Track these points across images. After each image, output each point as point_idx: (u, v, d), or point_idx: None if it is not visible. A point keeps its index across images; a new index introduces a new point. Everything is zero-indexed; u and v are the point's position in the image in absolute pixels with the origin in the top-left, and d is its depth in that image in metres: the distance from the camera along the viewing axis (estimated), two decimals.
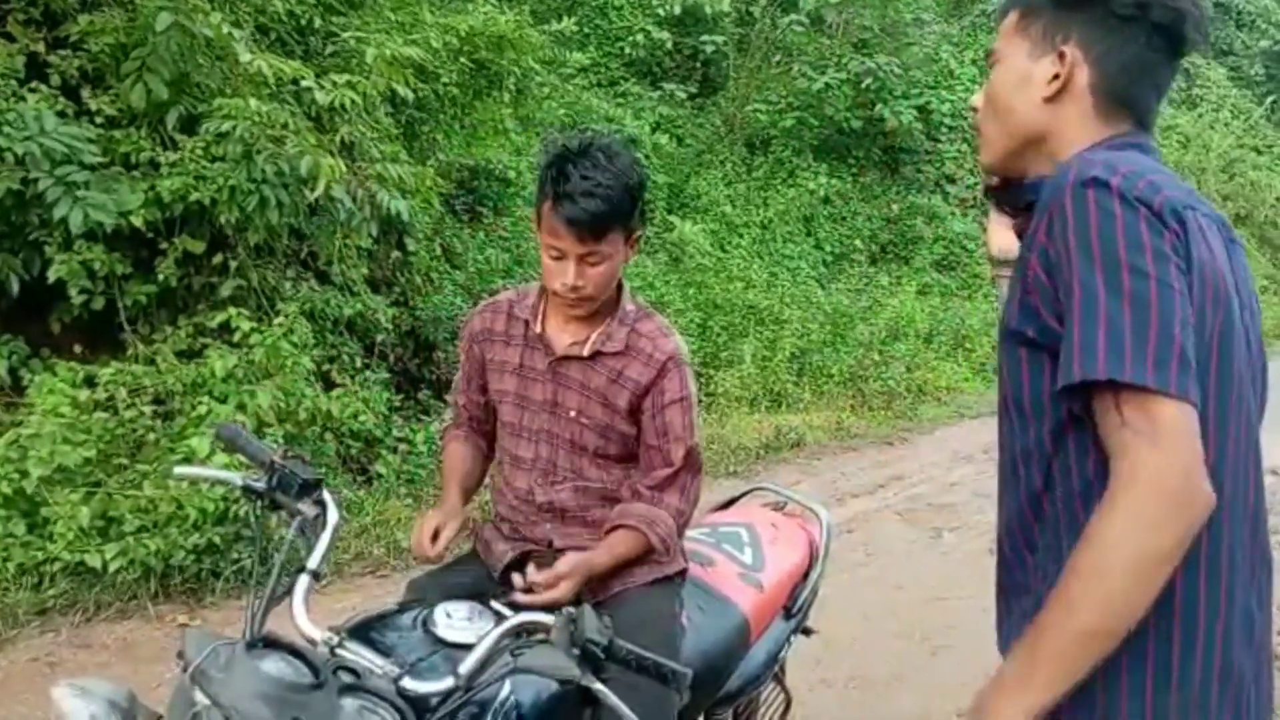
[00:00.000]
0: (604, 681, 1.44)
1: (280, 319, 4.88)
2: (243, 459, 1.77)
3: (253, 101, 4.49)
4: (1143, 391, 1.11)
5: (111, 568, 4.01)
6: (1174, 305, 1.13)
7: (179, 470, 1.81)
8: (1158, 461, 1.10)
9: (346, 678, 1.28)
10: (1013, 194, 1.46)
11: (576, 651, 1.33)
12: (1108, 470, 1.18)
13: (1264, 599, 1.30)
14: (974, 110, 1.46)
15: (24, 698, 3.41)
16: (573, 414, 2.08)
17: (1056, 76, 1.33)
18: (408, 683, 1.34)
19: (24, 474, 4.03)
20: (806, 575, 2.48)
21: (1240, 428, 1.25)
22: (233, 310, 4.75)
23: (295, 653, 1.24)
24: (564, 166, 1.93)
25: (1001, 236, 1.72)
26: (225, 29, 4.45)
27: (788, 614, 2.40)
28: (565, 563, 1.90)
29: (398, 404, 5.85)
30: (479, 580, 2.10)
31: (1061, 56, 1.33)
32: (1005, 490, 1.36)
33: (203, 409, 4.42)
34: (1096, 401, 1.16)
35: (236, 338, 4.74)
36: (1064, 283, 1.18)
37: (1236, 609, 1.23)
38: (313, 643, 1.41)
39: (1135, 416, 1.12)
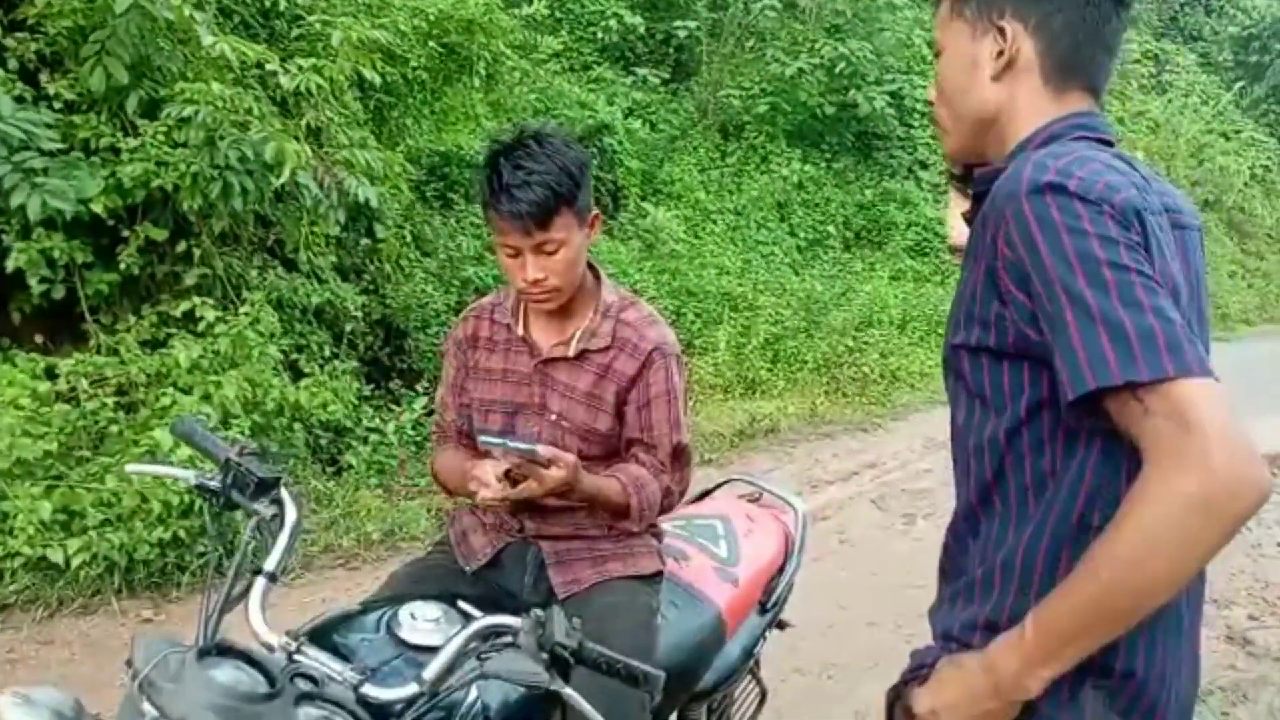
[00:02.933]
0: (574, 683, 1.40)
1: (246, 308, 4.79)
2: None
3: (215, 86, 4.39)
4: (1163, 382, 1.06)
5: (74, 562, 3.93)
6: (1159, 292, 1.10)
7: (131, 467, 1.74)
8: (1200, 445, 1.03)
9: (304, 685, 1.22)
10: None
11: (545, 655, 1.28)
12: (1060, 465, 1.18)
13: (1196, 598, 1.30)
14: (930, 103, 1.43)
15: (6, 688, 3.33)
16: (554, 417, 2.02)
17: (1001, 53, 1.30)
18: (369, 689, 1.29)
19: None
20: (782, 569, 2.45)
21: None
22: (197, 299, 4.66)
23: (250, 660, 1.18)
24: (497, 163, 1.88)
25: (963, 224, 1.68)
26: (187, 11, 4.34)
27: (763, 608, 2.36)
28: (570, 457, 1.82)
29: (368, 394, 5.77)
30: (452, 577, 2.05)
31: (1002, 32, 1.30)
32: (960, 480, 1.34)
33: (167, 400, 4.34)
34: (1111, 402, 1.11)
35: (201, 327, 4.65)
36: (1039, 293, 1.14)
37: (1166, 611, 1.19)
38: (269, 648, 1.36)
39: (1162, 406, 1.06)
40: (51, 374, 4.38)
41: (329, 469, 5.28)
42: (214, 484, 1.56)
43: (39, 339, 4.65)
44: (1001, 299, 1.19)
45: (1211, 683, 3.86)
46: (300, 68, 4.78)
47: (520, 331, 2.05)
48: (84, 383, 4.39)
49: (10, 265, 4.27)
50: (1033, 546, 1.22)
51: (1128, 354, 1.08)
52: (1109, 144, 1.29)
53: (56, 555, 3.92)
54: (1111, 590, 1.10)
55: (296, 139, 4.73)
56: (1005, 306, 1.19)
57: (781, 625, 2.53)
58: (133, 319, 4.76)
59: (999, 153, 1.34)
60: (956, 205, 1.71)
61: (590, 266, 2.06)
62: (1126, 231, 1.12)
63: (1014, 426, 1.22)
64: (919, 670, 1.33)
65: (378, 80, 5.43)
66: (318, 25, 5.34)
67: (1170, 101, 17.16)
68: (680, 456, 2.04)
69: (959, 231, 1.69)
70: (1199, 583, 1.30)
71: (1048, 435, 1.19)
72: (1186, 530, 1.05)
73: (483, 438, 1.82)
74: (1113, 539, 1.11)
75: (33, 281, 4.34)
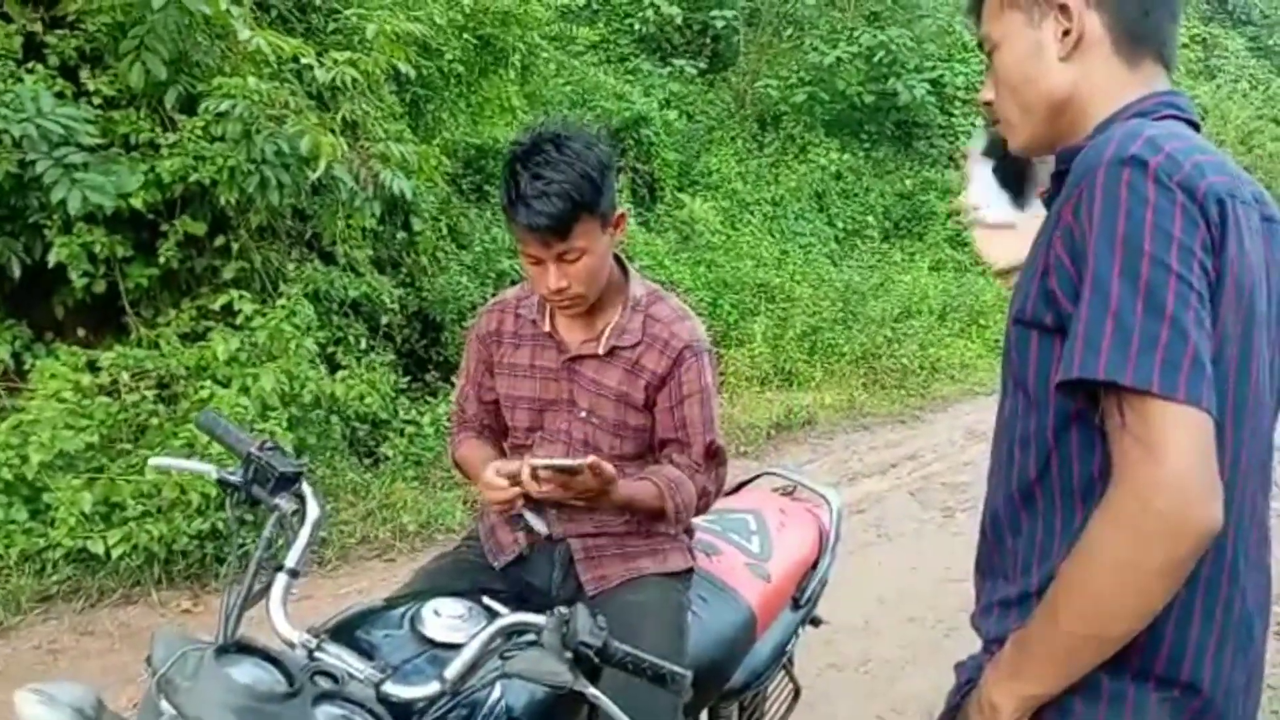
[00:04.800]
0: (603, 683, 1.37)
1: (283, 301, 4.82)
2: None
3: (252, 80, 4.41)
4: (1146, 396, 1.03)
5: (114, 554, 3.98)
6: (1190, 304, 1.05)
7: (153, 461, 1.73)
8: (1155, 475, 1.02)
9: (324, 684, 1.20)
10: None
11: (569, 654, 1.26)
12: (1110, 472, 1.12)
13: (1264, 609, 1.24)
14: (987, 105, 1.37)
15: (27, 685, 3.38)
16: (583, 414, 1.99)
17: (1067, 32, 1.24)
18: (390, 688, 1.27)
19: (25, 460, 3.99)
20: (816, 564, 2.41)
21: (1255, 437, 1.18)
22: (235, 293, 4.69)
23: (269, 658, 1.17)
24: (513, 170, 1.82)
25: (996, 246, 1.62)
26: (224, 6, 4.36)
27: (796, 605, 2.33)
28: (609, 469, 1.77)
29: (404, 386, 5.79)
30: (480, 572, 2.04)
31: (1064, 10, 1.24)
32: (997, 471, 1.30)
33: (206, 393, 4.38)
34: (1102, 398, 1.09)
35: (239, 320, 4.69)
36: (1082, 268, 1.09)
37: (1234, 620, 1.18)
38: (290, 645, 1.35)
39: (1136, 422, 1.04)
40: (93, 367, 4.43)
41: (366, 461, 5.30)
42: (235, 478, 1.54)
43: (81, 332, 4.71)
44: (1051, 267, 1.14)
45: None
46: (336, 61, 4.78)
47: (547, 328, 2.02)
48: (125, 375, 4.43)
49: (52, 259, 4.31)
50: None
51: (1122, 354, 1.04)
52: (1195, 126, 1.24)
53: (97, 546, 3.97)
54: (1066, 612, 1.10)
55: (332, 132, 4.73)
56: (1055, 276, 1.14)
57: (815, 622, 2.49)
58: (172, 312, 4.81)
59: (1075, 137, 1.27)
60: (980, 229, 1.66)
61: (617, 259, 2.02)
62: (1191, 229, 1.06)
63: (1062, 422, 1.17)
64: (966, 686, 1.29)
65: (413, 73, 5.43)
66: (353, 19, 5.35)
67: (1219, 87, 16.77)
68: (715, 456, 2.00)
69: (994, 254, 1.63)
70: (1266, 592, 1.24)
71: (1099, 437, 1.14)
72: (1121, 559, 1.04)
73: (532, 462, 1.78)
74: (1069, 560, 1.10)
75: (74, 275, 4.39)
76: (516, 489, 1.81)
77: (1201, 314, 1.06)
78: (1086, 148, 1.16)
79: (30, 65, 4.35)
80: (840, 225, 10.88)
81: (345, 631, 1.48)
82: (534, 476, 1.72)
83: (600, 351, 1.97)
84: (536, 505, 1.87)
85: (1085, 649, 1.10)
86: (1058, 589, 1.12)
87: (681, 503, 1.92)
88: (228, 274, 4.85)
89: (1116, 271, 1.05)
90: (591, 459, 1.72)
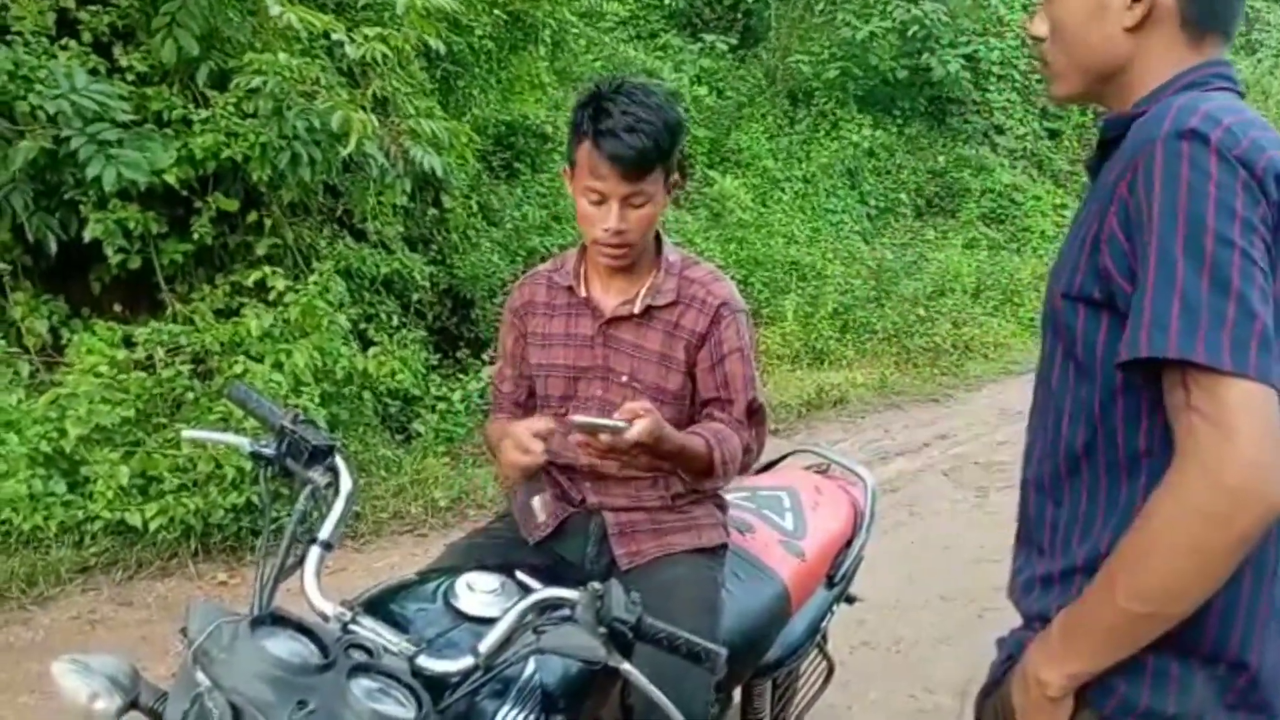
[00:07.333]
0: (636, 659, 1.36)
1: (315, 277, 4.84)
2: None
3: (283, 56, 4.42)
4: (1214, 373, 1.01)
5: (152, 526, 4.03)
6: (1255, 280, 1.03)
7: (187, 434, 1.74)
8: (1224, 451, 1.00)
9: (358, 656, 1.21)
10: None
11: (603, 630, 1.25)
12: (1159, 445, 1.11)
13: None
14: (1035, 39, 1.32)
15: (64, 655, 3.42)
16: (624, 379, 1.98)
17: (1138, 1, 1.19)
18: (424, 661, 1.27)
19: (63, 433, 4.04)
20: (850, 542, 2.39)
21: None
22: (268, 269, 4.71)
23: (304, 630, 1.17)
24: (601, 104, 1.83)
25: None
26: None
27: (830, 582, 2.31)
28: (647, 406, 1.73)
29: (435, 363, 5.82)
30: (512, 547, 2.03)
31: None
32: (1043, 442, 1.28)
33: (240, 368, 4.41)
34: (1164, 375, 1.07)
35: (272, 296, 4.71)
36: (1142, 243, 1.07)
37: (1278, 593, 1.16)
38: (325, 618, 1.35)
39: (1203, 400, 1.02)
40: (129, 342, 4.48)
41: (398, 437, 5.33)
42: (268, 451, 1.54)
43: (117, 308, 4.76)
44: (1104, 242, 1.12)
45: None
46: (366, 37, 4.77)
47: (583, 293, 2.00)
48: (160, 351, 4.47)
49: (87, 235, 4.35)
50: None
51: (1191, 331, 1.02)
52: (1241, 97, 1.21)
53: (135, 519, 4.02)
54: (1126, 591, 1.08)
55: (363, 109, 4.73)
56: (1105, 253, 1.12)
57: (850, 599, 2.47)
58: (206, 288, 4.84)
59: (1120, 101, 1.25)
60: None
61: None
62: (1254, 204, 1.04)
63: (1108, 396, 1.15)
64: (1008, 662, 1.28)
65: (442, 49, 5.41)
66: None
67: (1260, 61, 16.44)
68: (756, 414, 1.99)
69: None
70: None
71: (1146, 410, 1.12)
72: (1188, 537, 1.03)
73: (576, 419, 1.73)
74: (1128, 537, 1.08)
75: (110, 251, 4.43)
76: (539, 457, 1.77)
77: (1266, 289, 1.04)
78: (1142, 119, 1.14)
79: (63, 42, 4.38)
80: (872, 202, 10.78)
81: (379, 605, 1.47)
82: (583, 443, 1.69)
83: (636, 311, 1.96)
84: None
85: (1141, 627, 1.09)
86: (1116, 567, 1.09)
87: (728, 454, 1.89)
88: (260, 250, 4.87)
89: (1180, 248, 1.04)
90: (628, 407, 1.68)
